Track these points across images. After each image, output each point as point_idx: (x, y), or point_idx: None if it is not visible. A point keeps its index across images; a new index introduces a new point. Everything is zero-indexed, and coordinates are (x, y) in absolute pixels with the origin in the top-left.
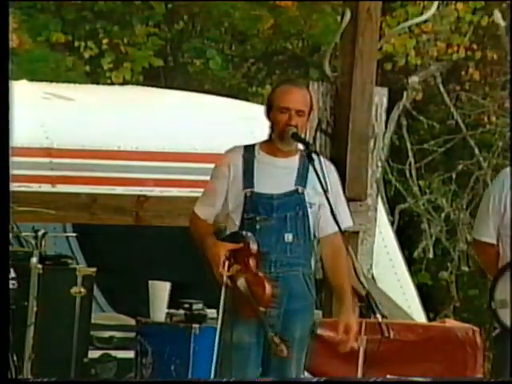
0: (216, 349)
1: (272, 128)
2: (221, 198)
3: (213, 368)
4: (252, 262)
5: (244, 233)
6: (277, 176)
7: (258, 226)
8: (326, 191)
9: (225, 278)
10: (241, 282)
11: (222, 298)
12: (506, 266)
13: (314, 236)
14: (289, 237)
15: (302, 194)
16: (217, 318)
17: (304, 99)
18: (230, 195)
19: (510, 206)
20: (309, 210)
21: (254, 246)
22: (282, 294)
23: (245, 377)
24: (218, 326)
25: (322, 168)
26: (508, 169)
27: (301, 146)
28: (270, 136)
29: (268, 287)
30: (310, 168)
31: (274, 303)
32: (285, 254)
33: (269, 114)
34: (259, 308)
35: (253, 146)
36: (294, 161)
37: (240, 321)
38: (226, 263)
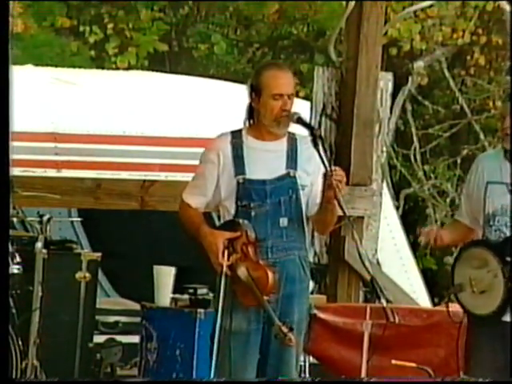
0: (215, 336)
1: (262, 113)
2: (211, 185)
3: (213, 356)
4: (251, 251)
5: (240, 221)
6: (267, 160)
7: (253, 213)
8: (330, 176)
9: (224, 268)
10: (242, 271)
11: (222, 287)
12: (461, 251)
13: (307, 217)
14: (284, 221)
15: (294, 177)
16: (216, 307)
17: (291, 81)
18: (221, 183)
19: (477, 189)
20: (301, 192)
21: (251, 234)
22: (279, 279)
23: (244, 363)
24: (219, 315)
25: (325, 151)
26: (483, 154)
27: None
28: (256, 120)
29: (271, 276)
30: (299, 150)
31: (275, 291)
32: (281, 238)
33: (258, 99)
34: (262, 296)
35: (240, 131)
36: (282, 143)
37: (239, 308)
38: (226, 252)
